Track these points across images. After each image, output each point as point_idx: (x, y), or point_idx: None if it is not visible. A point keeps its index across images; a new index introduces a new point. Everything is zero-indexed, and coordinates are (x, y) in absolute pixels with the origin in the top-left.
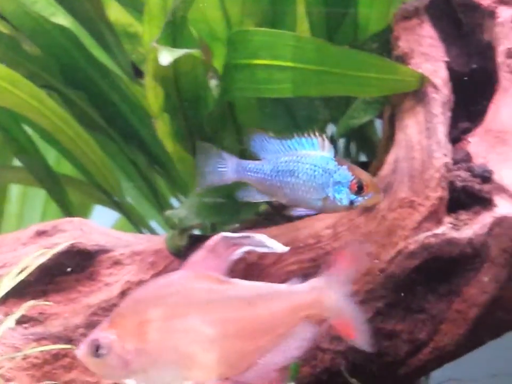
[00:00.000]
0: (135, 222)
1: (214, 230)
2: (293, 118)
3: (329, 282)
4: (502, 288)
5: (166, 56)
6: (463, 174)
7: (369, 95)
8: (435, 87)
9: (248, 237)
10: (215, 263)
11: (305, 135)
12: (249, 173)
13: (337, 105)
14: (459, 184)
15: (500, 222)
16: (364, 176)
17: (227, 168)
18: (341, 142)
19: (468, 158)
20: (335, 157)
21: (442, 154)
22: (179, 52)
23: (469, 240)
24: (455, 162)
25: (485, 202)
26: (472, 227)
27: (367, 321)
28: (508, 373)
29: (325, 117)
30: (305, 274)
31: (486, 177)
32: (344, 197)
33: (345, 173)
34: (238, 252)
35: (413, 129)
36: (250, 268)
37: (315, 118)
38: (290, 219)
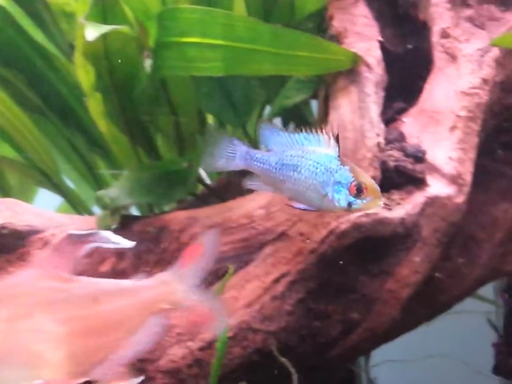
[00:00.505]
0: (75, 205)
1: (152, 210)
2: (229, 98)
3: (176, 275)
4: (435, 268)
5: (92, 32)
6: (396, 153)
7: (302, 74)
8: (368, 66)
9: (94, 234)
10: (61, 261)
11: (313, 131)
12: (255, 163)
13: (274, 86)
14: (392, 163)
15: (432, 201)
16: (365, 179)
17: (236, 155)
18: (278, 123)
19: (401, 137)
20: (339, 156)
21: (374, 134)
22: (105, 28)
23: (401, 220)
24: (389, 142)
25: (418, 182)
26: (404, 207)
27: (299, 301)
28: (443, 354)
29: (261, 97)
30: (238, 255)
31: (418, 157)
32: (342, 198)
33: (346, 173)
34: (84, 249)
35: (345, 109)
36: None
37: (252, 98)
38: (224, 200)
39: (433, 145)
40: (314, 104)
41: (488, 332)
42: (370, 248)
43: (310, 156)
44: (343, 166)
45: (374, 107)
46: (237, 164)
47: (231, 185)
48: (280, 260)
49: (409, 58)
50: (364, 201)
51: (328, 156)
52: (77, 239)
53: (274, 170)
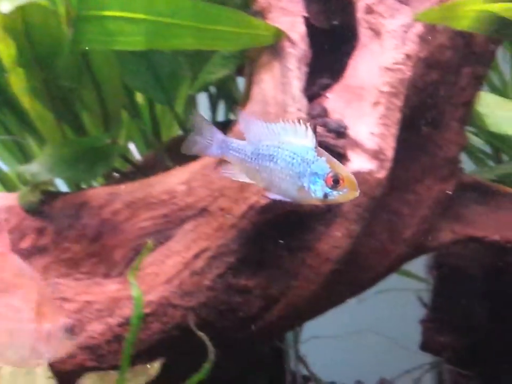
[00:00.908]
0: (5, 183)
1: (78, 187)
2: (156, 74)
3: None
4: (358, 244)
5: (7, 4)
6: (318, 129)
7: (224, 49)
8: (292, 42)
9: None
10: None
11: (290, 121)
12: (231, 151)
13: (201, 62)
14: None
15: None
16: (341, 170)
17: (212, 142)
18: (204, 100)
19: (324, 113)
20: (315, 147)
21: (296, 109)
22: (21, 0)
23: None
24: (312, 117)
25: (339, 157)
26: None
27: (219, 276)
28: (374, 330)
29: (188, 74)
30: (159, 230)
31: (340, 132)
32: (318, 189)
33: (323, 164)
34: None
35: (268, 84)
36: (104, 224)
37: (178, 74)
38: (147, 175)
39: (356, 121)
40: (242, 81)
41: (419, 309)
42: (291, 223)
43: (287, 147)
44: (320, 157)
45: (296, 82)
46: (213, 152)
47: (158, 163)
48: (201, 235)
49: (335, 34)
50: (340, 192)
51: (305, 146)
52: None
53: (250, 159)
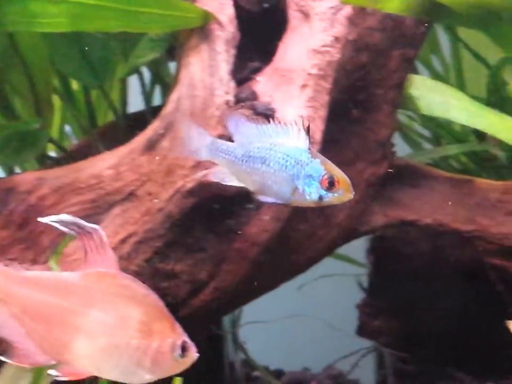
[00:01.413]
0: None
1: (12, 171)
2: (87, 58)
3: None
4: (291, 229)
5: None
6: (246, 112)
7: (151, 31)
8: (220, 24)
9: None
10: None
11: (282, 123)
12: (221, 154)
13: (132, 46)
14: None
15: None
16: (336, 172)
17: (201, 144)
18: (136, 84)
19: (253, 96)
20: (309, 149)
21: (224, 92)
22: None
23: None
24: (240, 100)
25: None
26: None
27: (145, 261)
28: (310, 315)
29: (120, 58)
30: (87, 215)
31: (268, 115)
32: (314, 191)
33: (317, 166)
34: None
35: (196, 67)
36: (31, 210)
37: (110, 58)
38: (75, 160)
39: (285, 104)
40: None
41: (360, 294)
42: (218, 207)
43: (279, 149)
44: (314, 158)
45: (224, 65)
46: (202, 155)
47: (92, 149)
48: (128, 220)
49: (266, 17)
50: (336, 194)
51: (298, 148)
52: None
53: (240, 162)
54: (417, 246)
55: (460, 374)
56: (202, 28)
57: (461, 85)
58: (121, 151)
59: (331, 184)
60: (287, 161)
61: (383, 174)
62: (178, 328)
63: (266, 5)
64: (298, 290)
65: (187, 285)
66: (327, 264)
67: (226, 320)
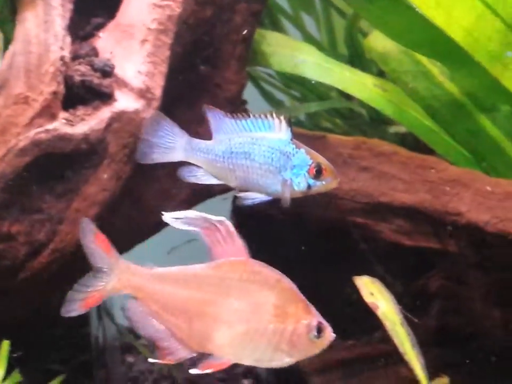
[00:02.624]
0: None
1: None
2: None
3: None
4: (142, 188)
5: None
6: (84, 68)
7: None
8: None
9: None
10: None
11: (262, 116)
12: (199, 153)
13: None
14: (78, 78)
15: (118, 116)
16: (322, 160)
17: (176, 145)
18: None
19: (93, 52)
20: (292, 139)
21: (58, 47)
22: None
23: (84, 136)
24: (80, 57)
25: (105, 97)
26: (88, 122)
27: None
28: None
29: None
30: None
31: (106, 71)
32: (302, 181)
33: (303, 156)
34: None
35: (31, 23)
36: None
37: None
38: None
39: (124, 60)
40: None
41: None
42: (54, 166)
43: (262, 142)
44: (299, 149)
45: (59, 20)
46: (177, 156)
47: None
48: None
49: None
50: (324, 182)
51: (282, 140)
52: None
53: (222, 159)
54: (279, 205)
55: None
56: None
57: (332, 44)
58: None
59: (319, 173)
60: (272, 153)
61: None
62: (313, 309)
63: None
64: (169, 254)
65: (24, 246)
66: None
67: None
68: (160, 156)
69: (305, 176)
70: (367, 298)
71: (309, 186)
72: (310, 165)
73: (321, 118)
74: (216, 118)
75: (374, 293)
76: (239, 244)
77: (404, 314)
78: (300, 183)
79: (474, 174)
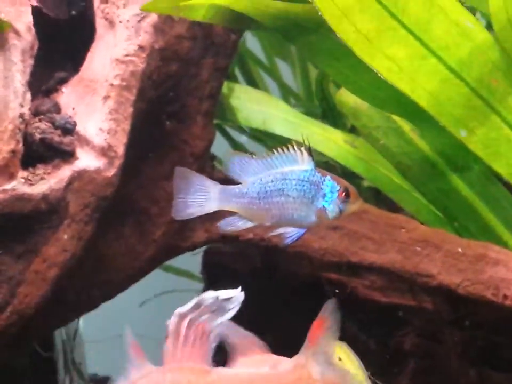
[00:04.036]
0: None
1: None
2: None
3: (310, 355)
4: (106, 246)
5: None
6: (44, 125)
7: None
8: (17, 33)
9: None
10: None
11: (284, 150)
12: (233, 199)
13: None
14: (38, 136)
15: (79, 175)
16: (346, 183)
17: (210, 196)
18: None
19: (55, 108)
20: (316, 167)
21: (18, 104)
22: None
23: (44, 196)
24: (41, 113)
25: (66, 155)
26: (48, 182)
27: None
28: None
29: None
30: None
31: (68, 128)
32: (335, 207)
33: (331, 183)
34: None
35: None
36: None
37: None
38: None
39: (86, 116)
40: None
41: None
42: (13, 226)
43: (292, 176)
44: (325, 176)
45: (19, 76)
46: (212, 206)
47: None
48: None
49: (75, 25)
50: (352, 205)
51: (308, 170)
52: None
53: (257, 201)
54: (251, 261)
55: None
56: None
57: (309, 94)
58: None
59: (347, 196)
60: (303, 185)
61: None
62: None
63: (73, 12)
64: (141, 307)
65: None
66: (169, 280)
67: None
68: (196, 209)
69: (336, 202)
70: None
71: (340, 211)
72: (338, 191)
73: None
74: (242, 163)
75: (341, 358)
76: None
77: (373, 381)
78: (333, 209)
79: (445, 235)
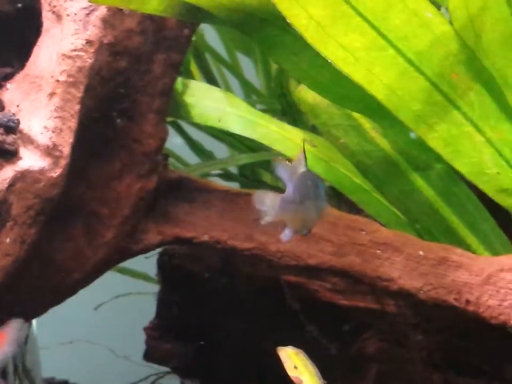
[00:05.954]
0: None
1: None
2: None
3: None
4: (53, 250)
5: None
6: None
7: None
8: None
9: None
10: None
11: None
12: (289, 206)
13: None
14: None
15: (22, 176)
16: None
17: (272, 206)
18: None
19: None
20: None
21: None
22: None
23: None
24: None
25: (8, 155)
26: None
27: None
28: (86, 339)
29: None
30: None
31: (11, 127)
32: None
33: (318, 179)
34: None
35: None
36: None
37: None
38: None
39: (32, 114)
40: None
41: None
42: None
43: (312, 179)
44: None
45: None
46: (273, 216)
47: None
48: None
49: (21, 18)
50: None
51: (310, 171)
52: None
53: (298, 206)
54: (208, 262)
55: None
56: None
57: (271, 92)
58: None
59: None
60: (317, 186)
61: (153, 189)
62: None
63: (19, 5)
64: (96, 310)
65: None
66: (127, 283)
67: None
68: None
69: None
70: (291, 372)
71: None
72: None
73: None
74: (287, 169)
75: (298, 366)
76: None
77: None
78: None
79: (406, 238)
